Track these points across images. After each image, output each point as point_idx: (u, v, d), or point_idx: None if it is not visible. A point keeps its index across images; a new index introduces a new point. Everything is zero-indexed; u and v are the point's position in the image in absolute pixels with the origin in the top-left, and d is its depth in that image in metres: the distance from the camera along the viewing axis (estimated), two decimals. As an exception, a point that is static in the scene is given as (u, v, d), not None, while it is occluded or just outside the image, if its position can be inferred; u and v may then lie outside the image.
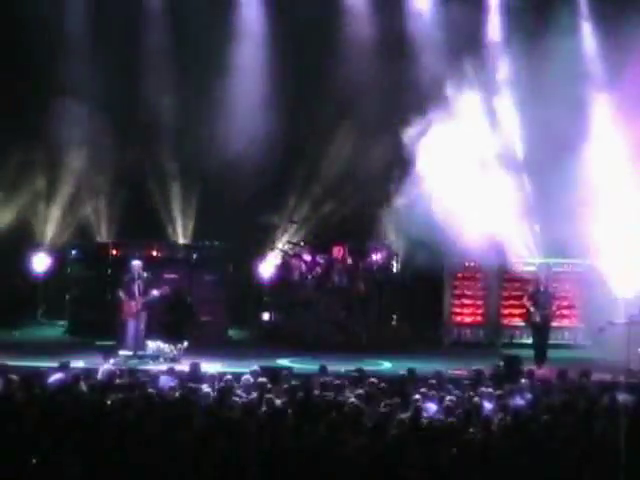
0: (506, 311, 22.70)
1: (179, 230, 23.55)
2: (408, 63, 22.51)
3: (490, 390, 14.08)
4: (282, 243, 22.91)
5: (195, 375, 15.19)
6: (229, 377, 14.41)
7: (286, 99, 22.83)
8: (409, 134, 21.35)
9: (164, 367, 16.29)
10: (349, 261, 22.36)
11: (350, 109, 22.79)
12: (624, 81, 21.76)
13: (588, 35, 23.54)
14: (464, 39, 22.26)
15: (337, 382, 14.29)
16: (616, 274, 21.45)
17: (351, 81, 22.78)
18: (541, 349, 19.56)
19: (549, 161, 21.49)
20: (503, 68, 22.87)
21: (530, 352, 19.50)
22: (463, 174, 21.60)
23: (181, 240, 23.47)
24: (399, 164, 21.54)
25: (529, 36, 21.97)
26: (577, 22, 23.48)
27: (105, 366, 15.73)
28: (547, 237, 22.40)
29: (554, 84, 21.35)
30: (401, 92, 22.18)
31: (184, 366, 16.66)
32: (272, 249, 22.82)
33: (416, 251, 21.72)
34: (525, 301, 20.00)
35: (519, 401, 13.48)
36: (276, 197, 23.43)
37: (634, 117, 21.63)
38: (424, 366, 16.66)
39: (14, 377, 14.16)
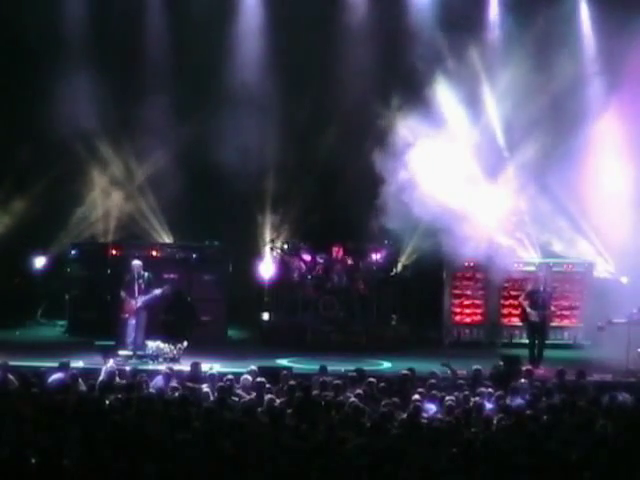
0: (506, 311, 22.68)
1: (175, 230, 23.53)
2: (404, 49, 22.46)
3: (490, 390, 14.09)
4: (281, 242, 22.87)
5: (196, 375, 15.20)
6: (229, 377, 14.42)
7: (284, 98, 22.79)
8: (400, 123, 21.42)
9: (163, 367, 16.29)
10: (349, 261, 22.33)
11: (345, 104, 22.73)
12: (623, 64, 21.78)
13: (586, 20, 23.51)
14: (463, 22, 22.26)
15: (337, 382, 14.29)
16: (615, 271, 21.48)
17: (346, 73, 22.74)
18: (539, 349, 19.56)
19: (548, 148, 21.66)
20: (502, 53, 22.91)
21: (530, 352, 19.55)
22: (457, 172, 21.62)
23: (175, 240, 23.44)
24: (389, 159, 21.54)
25: (528, 20, 22.04)
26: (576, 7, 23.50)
27: (108, 365, 15.74)
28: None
29: (553, 71, 21.43)
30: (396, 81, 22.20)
31: (184, 366, 16.70)
32: (271, 249, 22.79)
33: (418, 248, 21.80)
34: (522, 300, 19.98)
35: (519, 401, 13.48)
36: (274, 196, 23.44)
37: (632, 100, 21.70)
38: (424, 366, 16.65)
39: (14, 377, 14.21)
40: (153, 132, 22.89)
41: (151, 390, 13.81)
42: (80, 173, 23.26)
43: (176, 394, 13.23)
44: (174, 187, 23.04)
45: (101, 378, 14.59)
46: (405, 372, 15.27)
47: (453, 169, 21.57)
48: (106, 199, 23.66)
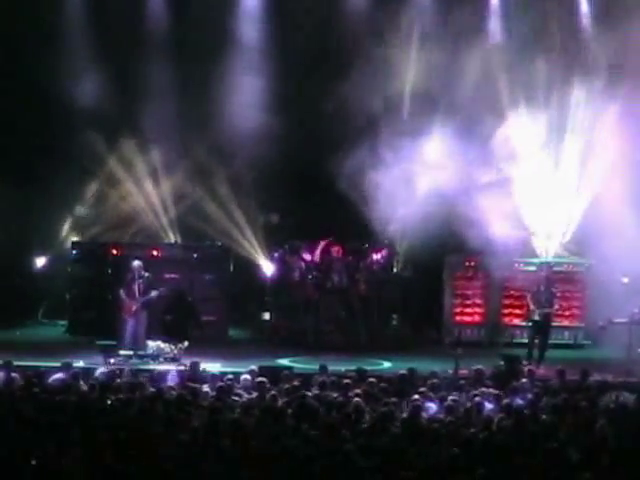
0: (506, 311, 22.67)
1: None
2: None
3: (490, 390, 14.08)
4: (281, 241, 22.85)
5: (195, 374, 15.21)
6: (230, 377, 14.42)
7: (285, 97, 22.71)
8: None
9: (166, 367, 16.33)
10: (349, 261, 22.32)
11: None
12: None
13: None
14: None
15: (337, 382, 14.29)
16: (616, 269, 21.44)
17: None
18: (541, 349, 19.57)
19: None
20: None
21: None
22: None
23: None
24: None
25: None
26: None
27: (107, 365, 15.76)
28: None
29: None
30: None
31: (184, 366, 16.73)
32: (271, 248, 22.79)
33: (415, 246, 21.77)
34: (528, 299, 20.00)
35: (519, 401, 13.48)
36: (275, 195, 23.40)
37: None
38: (424, 366, 16.65)
39: (16, 376, 14.22)
40: (154, 125, 22.82)
41: (152, 390, 13.82)
42: (83, 171, 23.25)
43: (175, 394, 13.22)
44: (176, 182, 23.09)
45: (101, 378, 14.60)
46: (405, 372, 15.27)
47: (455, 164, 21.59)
48: (109, 197, 23.67)
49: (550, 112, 22.02)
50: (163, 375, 15.07)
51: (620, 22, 21.40)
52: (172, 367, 16.52)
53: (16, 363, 15.40)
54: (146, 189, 23.42)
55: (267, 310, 22.72)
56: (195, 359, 16.29)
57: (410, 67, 22.39)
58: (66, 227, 23.84)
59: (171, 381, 14.59)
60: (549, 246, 22.65)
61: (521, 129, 22.16)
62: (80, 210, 23.84)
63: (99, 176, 23.45)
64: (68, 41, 22.88)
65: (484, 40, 22.74)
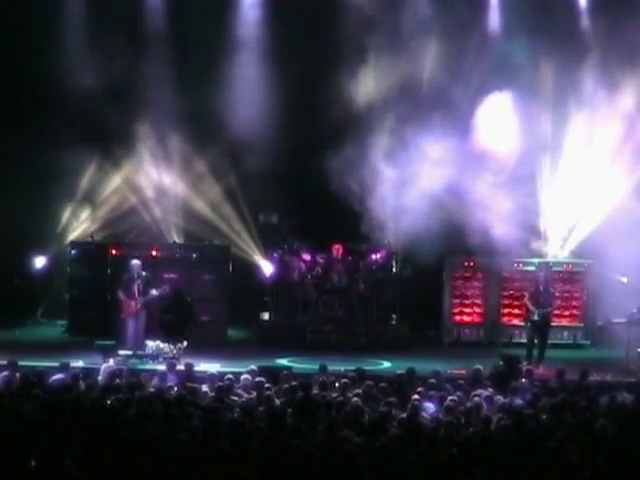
0: (506, 311, 22.69)
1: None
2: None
3: (489, 390, 14.09)
4: (281, 241, 22.84)
5: (190, 375, 15.20)
6: (229, 377, 14.42)
7: (284, 97, 22.70)
8: None
9: (164, 366, 16.31)
10: (349, 261, 22.32)
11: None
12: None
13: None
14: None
15: (337, 382, 14.30)
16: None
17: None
18: (540, 349, 19.57)
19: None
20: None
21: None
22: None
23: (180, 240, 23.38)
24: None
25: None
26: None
27: (107, 365, 15.74)
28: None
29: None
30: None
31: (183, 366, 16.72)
32: (272, 247, 22.78)
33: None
34: (526, 300, 20.00)
35: (518, 401, 13.49)
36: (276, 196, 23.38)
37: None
38: (424, 366, 16.66)
39: (16, 375, 14.23)
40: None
41: (151, 390, 13.83)
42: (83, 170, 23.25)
43: (175, 394, 13.22)
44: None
45: (101, 378, 14.60)
46: (405, 372, 15.27)
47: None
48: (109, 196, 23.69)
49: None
50: (157, 375, 15.05)
51: None
52: (162, 367, 16.43)
53: (16, 363, 15.39)
54: (146, 186, 23.47)
55: (266, 310, 22.73)
56: (194, 359, 16.27)
57: (409, 64, 22.38)
58: (64, 221, 23.77)
59: (166, 381, 14.57)
60: (560, 252, 22.70)
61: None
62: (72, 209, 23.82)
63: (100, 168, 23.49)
64: (69, 29, 22.88)
65: (483, 34, 22.84)
